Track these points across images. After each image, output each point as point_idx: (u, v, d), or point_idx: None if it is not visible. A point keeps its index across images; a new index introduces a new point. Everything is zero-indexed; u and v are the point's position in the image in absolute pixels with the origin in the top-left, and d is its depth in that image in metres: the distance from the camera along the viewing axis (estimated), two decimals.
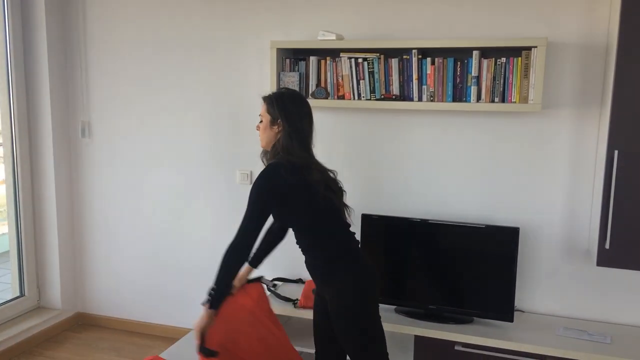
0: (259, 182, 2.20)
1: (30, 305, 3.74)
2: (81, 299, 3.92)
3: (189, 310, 3.68)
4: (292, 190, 2.20)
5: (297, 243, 2.33)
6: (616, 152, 2.50)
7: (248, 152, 3.39)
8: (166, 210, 3.65)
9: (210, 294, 2.21)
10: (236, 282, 2.36)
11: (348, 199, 3.29)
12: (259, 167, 3.40)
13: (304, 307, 2.97)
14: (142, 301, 3.79)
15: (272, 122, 2.26)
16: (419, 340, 2.83)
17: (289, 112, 2.25)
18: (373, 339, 2.29)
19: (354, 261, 2.30)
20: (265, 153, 2.35)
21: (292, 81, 3.06)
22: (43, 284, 3.79)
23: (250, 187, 2.24)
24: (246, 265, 2.45)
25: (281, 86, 3.06)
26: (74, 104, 3.71)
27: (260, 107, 2.33)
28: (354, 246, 2.35)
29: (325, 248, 2.29)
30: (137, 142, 3.63)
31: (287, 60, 3.10)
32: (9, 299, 3.65)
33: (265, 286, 2.55)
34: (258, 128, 2.32)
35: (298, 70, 3.09)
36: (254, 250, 2.31)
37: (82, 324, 3.91)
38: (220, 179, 3.49)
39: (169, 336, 3.70)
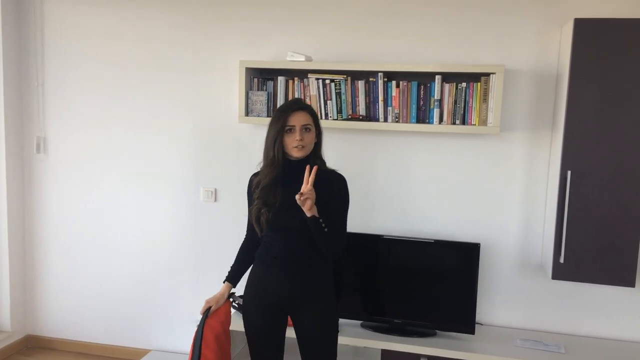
0: (347, 190, 2.44)
1: None
2: (31, 321, 3.76)
3: (144, 331, 3.61)
4: None
5: (302, 245, 2.35)
6: (569, 172, 2.69)
7: (213, 170, 3.39)
8: (124, 229, 3.57)
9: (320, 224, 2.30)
10: (217, 300, 2.45)
11: None
12: (223, 184, 3.43)
13: None
14: (96, 322, 3.67)
15: (315, 128, 2.36)
16: (385, 354, 2.89)
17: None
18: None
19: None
20: (313, 161, 2.31)
21: (260, 100, 3.11)
22: None
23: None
24: (226, 283, 2.50)
25: (250, 105, 3.10)
26: (28, 119, 3.60)
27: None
28: None
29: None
30: (94, 159, 3.56)
31: (255, 80, 3.15)
32: None
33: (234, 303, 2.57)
34: (302, 139, 2.28)
35: (266, 90, 3.14)
36: (233, 268, 2.53)
37: (32, 347, 3.75)
38: (183, 196, 3.47)
39: (125, 358, 3.61)
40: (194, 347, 2.33)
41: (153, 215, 3.53)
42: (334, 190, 2.36)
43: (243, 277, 2.54)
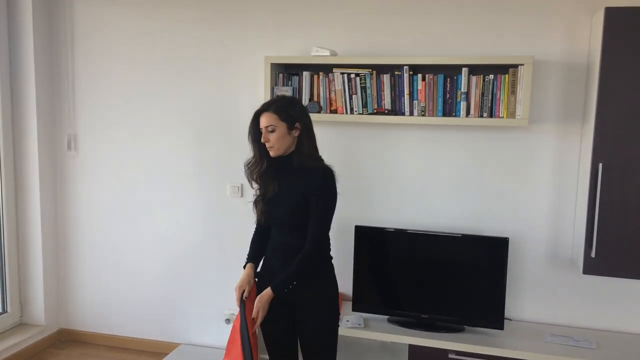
0: (335, 189, 2.38)
1: (13, 321, 3.65)
2: (64, 315, 3.85)
3: (175, 324, 3.66)
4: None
5: (293, 241, 2.41)
6: (600, 164, 2.63)
7: (239, 166, 3.39)
8: (154, 223, 3.63)
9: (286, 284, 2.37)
10: (248, 281, 2.47)
11: (341, 210, 3.37)
12: None
13: None
14: (127, 316, 3.74)
15: (290, 128, 2.34)
16: (412, 350, 2.88)
17: (305, 114, 2.41)
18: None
19: (332, 269, 2.53)
20: (296, 157, 2.38)
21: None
22: (26, 299, 3.71)
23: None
24: (249, 264, 2.54)
25: None
26: (60, 117, 3.68)
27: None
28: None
29: (327, 248, 2.50)
30: (124, 156, 3.62)
31: (281, 75, 3.15)
32: None
33: None
34: (267, 140, 2.35)
35: (291, 85, 3.14)
36: (251, 253, 2.59)
37: (66, 340, 3.83)
38: (211, 192, 3.50)
39: (156, 351, 3.66)
40: (243, 339, 2.32)
41: (181, 211, 3.57)
42: (313, 186, 2.36)
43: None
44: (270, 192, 2.42)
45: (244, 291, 2.44)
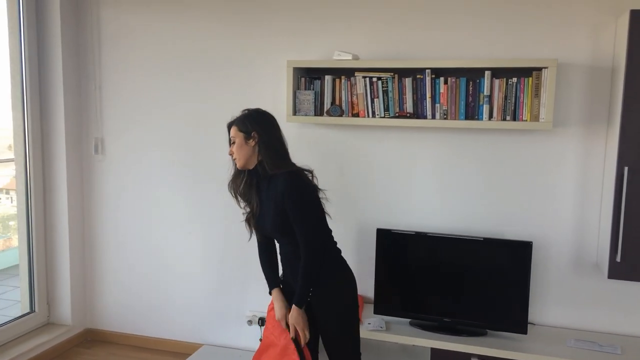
0: (301, 190, 2.37)
1: (40, 321, 3.73)
2: (90, 315, 3.92)
3: (199, 325, 3.71)
4: (317, 194, 2.45)
5: (291, 248, 2.46)
6: (626, 168, 2.61)
7: None
8: (177, 226, 3.68)
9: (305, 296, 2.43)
10: (283, 306, 2.55)
11: (363, 214, 3.38)
12: None
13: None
14: (152, 316, 3.80)
15: (247, 137, 2.41)
16: (435, 353, 2.88)
17: (263, 123, 2.46)
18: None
19: (343, 263, 2.55)
20: (261, 167, 2.45)
21: (307, 99, 3.14)
22: (53, 299, 3.78)
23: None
24: (275, 290, 2.60)
25: (298, 104, 3.13)
26: (87, 121, 3.75)
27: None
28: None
29: (330, 249, 2.52)
30: (149, 159, 3.68)
31: (303, 79, 3.18)
32: (19, 315, 3.64)
33: None
34: (232, 152, 2.46)
35: (313, 89, 3.17)
36: (267, 275, 2.67)
37: (92, 340, 3.90)
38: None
39: (179, 352, 3.71)
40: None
41: (204, 213, 3.62)
42: (282, 195, 2.37)
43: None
44: (255, 208, 2.51)
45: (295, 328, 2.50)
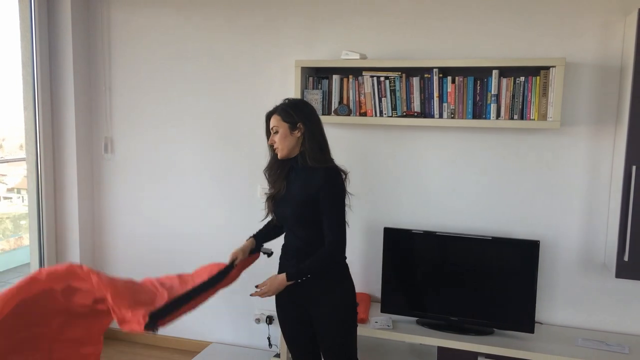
0: (339, 188, 2.37)
1: None
2: None
3: (207, 323, 3.73)
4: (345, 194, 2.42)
5: (300, 245, 2.44)
6: (634, 167, 2.60)
7: None
8: (187, 225, 3.71)
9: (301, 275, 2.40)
10: (240, 254, 2.54)
11: (371, 213, 3.38)
12: None
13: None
14: None
15: (292, 128, 2.38)
16: (442, 352, 2.89)
17: (310, 114, 2.42)
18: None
19: (347, 269, 2.51)
20: (301, 158, 2.41)
21: (315, 99, 3.15)
22: None
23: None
24: (250, 239, 2.61)
25: None
26: (97, 121, 3.79)
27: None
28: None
29: (343, 252, 2.46)
30: (158, 158, 3.71)
31: (310, 79, 3.20)
32: None
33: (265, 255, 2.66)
34: (273, 142, 2.43)
35: (321, 88, 3.18)
36: (260, 231, 2.65)
37: None
38: (242, 194, 3.57)
39: (188, 349, 3.74)
40: (211, 281, 2.44)
41: (213, 212, 3.64)
42: (317, 189, 2.36)
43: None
44: (278, 191, 2.47)
45: (235, 258, 2.52)
